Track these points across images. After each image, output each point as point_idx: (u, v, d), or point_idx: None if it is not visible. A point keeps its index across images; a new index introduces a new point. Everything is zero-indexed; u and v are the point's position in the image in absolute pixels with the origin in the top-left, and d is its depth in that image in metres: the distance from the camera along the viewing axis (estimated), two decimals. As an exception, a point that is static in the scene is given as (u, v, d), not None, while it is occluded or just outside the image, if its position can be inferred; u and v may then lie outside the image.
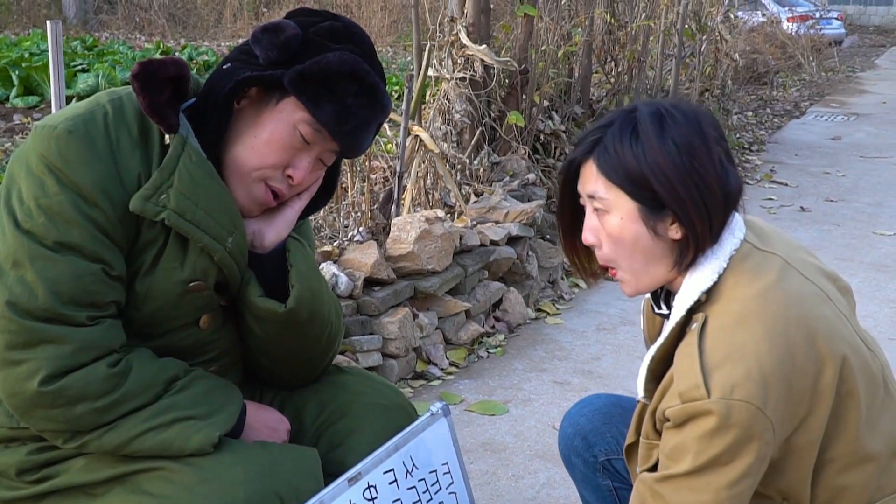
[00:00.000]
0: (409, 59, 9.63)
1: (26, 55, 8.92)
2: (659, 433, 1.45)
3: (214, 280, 1.54)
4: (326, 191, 1.69)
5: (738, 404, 1.31)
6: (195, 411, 1.46)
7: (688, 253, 1.42)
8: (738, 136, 8.49)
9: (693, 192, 1.39)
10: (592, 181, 1.45)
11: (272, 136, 1.49)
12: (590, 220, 1.48)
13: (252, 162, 1.50)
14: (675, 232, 1.42)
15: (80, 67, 8.90)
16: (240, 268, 1.55)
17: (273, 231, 1.58)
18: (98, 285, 1.40)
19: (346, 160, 4.09)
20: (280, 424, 1.64)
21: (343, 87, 1.48)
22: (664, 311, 1.55)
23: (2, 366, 1.38)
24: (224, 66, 1.54)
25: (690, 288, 1.43)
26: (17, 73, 8.30)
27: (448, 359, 3.49)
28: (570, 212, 1.54)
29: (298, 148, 1.51)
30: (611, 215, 1.43)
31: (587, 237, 1.48)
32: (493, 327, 3.85)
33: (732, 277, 1.41)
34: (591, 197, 1.45)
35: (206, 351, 1.61)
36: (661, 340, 1.45)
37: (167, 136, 1.46)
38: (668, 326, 1.45)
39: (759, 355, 1.33)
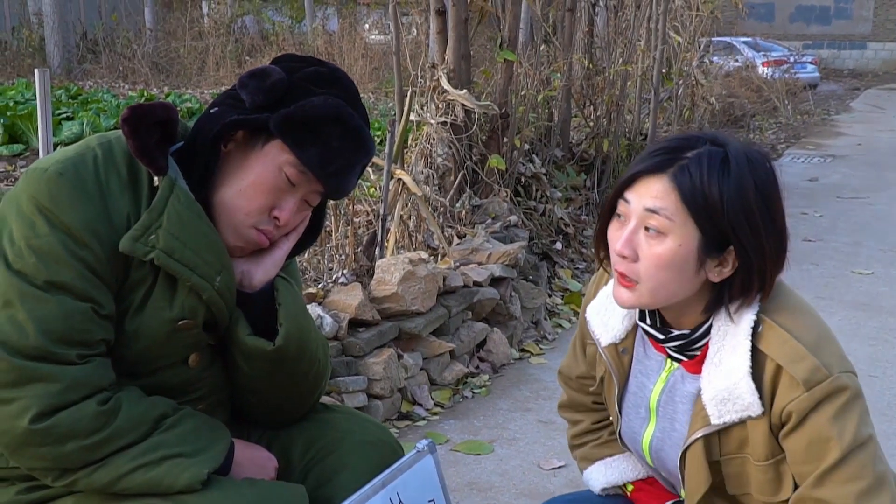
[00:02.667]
0: (390, 105, 9.74)
1: (11, 104, 8.94)
2: (771, 450, 1.44)
3: (203, 319, 1.55)
4: (312, 232, 1.72)
5: (849, 374, 1.39)
6: (184, 449, 1.46)
7: (734, 296, 1.42)
8: (716, 177, 8.60)
9: (768, 242, 1.40)
10: (661, 197, 1.39)
11: (258, 178, 1.52)
12: (630, 233, 1.41)
13: (239, 204, 1.52)
14: (717, 274, 1.41)
15: (64, 116, 8.94)
16: (228, 306, 1.57)
17: (261, 271, 1.61)
18: (87, 324, 1.41)
19: (330, 203, 4.14)
20: (268, 462, 1.64)
21: (327, 130, 1.52)
22: (689, 332, 1.50)
23: None
24: (211, 111, 1.57)
25: (744, 322, 1.44)
26: (1, 121, 8.32)
27: (433, 399, 3.51)
28: (610, 214, 1.48)
29: (284, 190, 1.53)
30: (668, 238, 1.39)
31: (623, 249, 1.41)
32: (477, 367, 3.87)
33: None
34: (652, 211, 1.39)
35: (195, 389, 1.62)
36: (726, 363, 1.43)
37: (156, 178, 1.49)
38: (732, 351, 1.43)
39: (829, 331, 1.45)
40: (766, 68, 17.48)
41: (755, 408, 1.41)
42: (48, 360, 1.38)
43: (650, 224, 1.39)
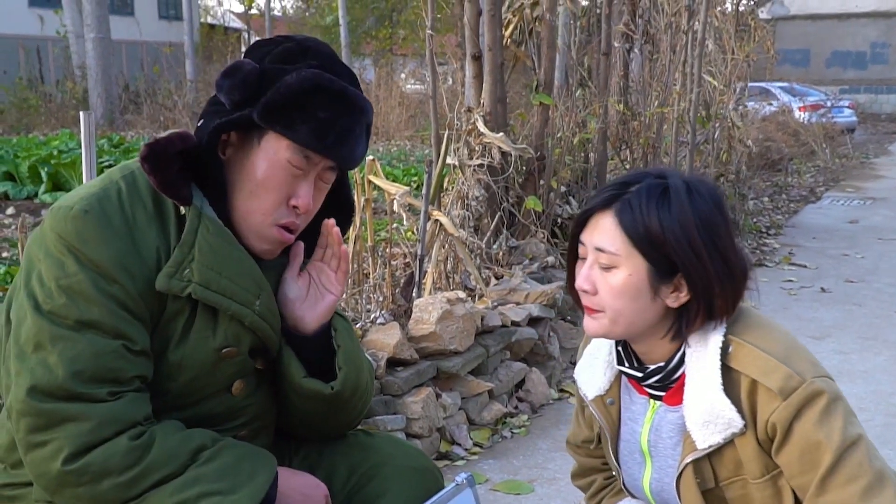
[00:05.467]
0: (426, 151, 9.82)
1: (55, 153, 9.14)
2: (765, 467, 1.47)
3: (249, 345, 1.55)
4: (346, 211, 1.71)
5: (824, 379, 1.43)
6: (222, 485, 1.42)
7: (693, 321, 1.47)
8: (755, 220, 8.55)
9: (714, 266, 1.44)
10: (607, 235, 1.48)
11: (265, 175, 1.50)
12: (587, 269, 1.51)
13: (254, 205, 1.51)
14: (674, 299, 1.47)
15: (106, 164, 9.11)
16: (273, 329, 1.56)
17: (315, 319, 1.61)
18: (119, 362, 1.40)
19: (367, 246, 4.18)
20: (315, 490, 1.60)
21: (311, 102, 1.47)
22: (650, 367, 1.56)
23: (27, 449, 1.39)
24: (199, 123, 1.55)
25: (712, 343, 1.48)
26: (45, 169, 8.51)
27: (472, 439, 3.48)
28: (574, 256, 1.57)
29: (294, 176, 1.51)
30: (619, 270, 1.47)
31: (581, 284, 1.51)
32: (516, 407, 3.83)
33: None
34: (599, 250, 1.48)
35: (239, 416, 1.61)
36: (701, 385, 1.47)
37: (182, 207, 1.49)
38: (706, 376, 1.47)
39: (798, 342, 1.49)
40: (802, 113, 17.40)
41: (737, 423, 1.45)
42: (78, 400, 1.37)
43: (601, 260, 1.49)
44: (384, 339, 3.35)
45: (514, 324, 3.97)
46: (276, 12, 28.05)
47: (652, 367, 1.55)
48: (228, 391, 1.58)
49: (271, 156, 1.50)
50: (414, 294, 3.85)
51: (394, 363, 3.36)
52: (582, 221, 1.53)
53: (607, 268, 1.48)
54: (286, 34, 1.60)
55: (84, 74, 17.52)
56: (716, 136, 7.86)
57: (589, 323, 1.54)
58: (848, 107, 20.54)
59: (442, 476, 1.75)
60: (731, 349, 1.47)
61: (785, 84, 20.35)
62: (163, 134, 1.51)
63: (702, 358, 1.49)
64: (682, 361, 1.52)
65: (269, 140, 1.50)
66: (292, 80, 1.47)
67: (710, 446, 1.48)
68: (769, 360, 1.43)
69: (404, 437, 3.20)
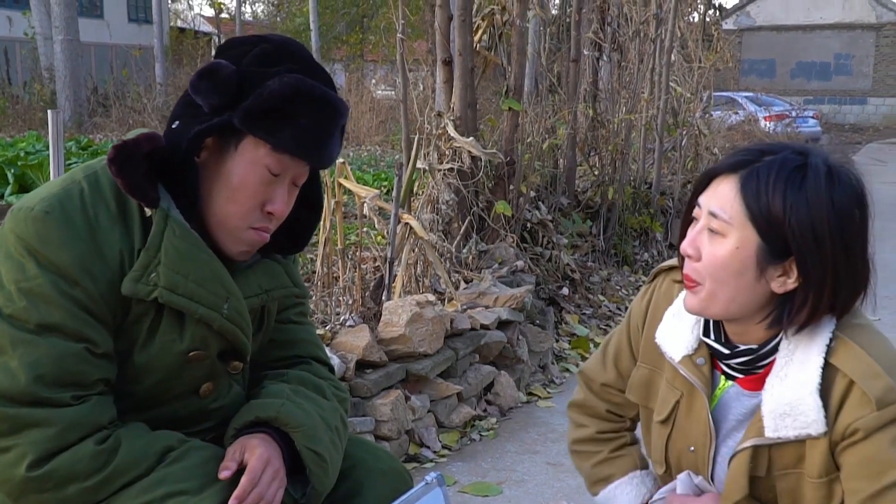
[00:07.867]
0: (397, 156, 9.82)
1: (22, 154, 9.02)
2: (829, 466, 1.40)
3: (218, 348, 1.54)
4: (315, 207, 1.69)
5: None
6: (187, 485, 1.41)
7: (796, 312, 1.38)
8: (721, 227, 8.62)
9: (835, 259, 1.35)
10: (723, 199, 1.39)
11: (242, 181, 1.48)
12: (695, 233, 1.43)
13: (231, 210, 1.49)
14: (780, 284, 1.38)
15: (74, 166, 9.03)
16: (243, 332, 1.55)
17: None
18: (81, 365, 1.38)
19: (337, 249, 4.18)
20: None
21: (293, 109, 1.46)
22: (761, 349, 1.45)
23: None
24: (173, 126, 1.52)
25: (818, 340, 1.40)
26: (12, 171, 8.40)
27: (441, 441, 3.49)
28: (690, 218, 1.47)
29: (269, 182, 1.50)
30: (727, 240, 1.38)
31: (686, 248, 1.42)
32: (485, 410, 3.86)
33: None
34: (712, 214, 1.39)
35: (207, 419, 1.60)
36: (793, 377, 1.39)
37: (148, 210, 1.46)
38: (801, 365, 1.39)
39: None
40: (768, 122, 17.67)
41: (817, 426, 1.37)
42: (41, 405, 1.35)
43: (712, 225, 1.39)
44: (353, 341, 3.36)
45: (484, 327, 3.99)
46: (246, 16, 27.97)
47: (742, 347, 1.46)
48: (195, 394, 1.56)
49: (248, 161, 1.48)
50: (383, 297, 3.86)
51: (363, 365, 3.37)
52: (705, 182, 1.43)
53: (717, 235, 1.39)
54: (260, 34, 1.58)
55: (52, 76, 17.31)
56: (683, 143, 7.96)
57: (687, 297, 1.45)
58: (812, 117, 20.88)
59: (412, 478, 1.77)
60: (833, 344, 1.39)
61: (751, 94, 20.66)
62: (130, 135, 1.48)
63: (801, 349, 1.40)
64: (774, 349, 1.44)
65: (247, 145, 1.48)
66: (275, 85, 1.45)
67: (778, 438, 1.40)
68: (874, 366, 1.35)
69: (373, 439, 3.21)
